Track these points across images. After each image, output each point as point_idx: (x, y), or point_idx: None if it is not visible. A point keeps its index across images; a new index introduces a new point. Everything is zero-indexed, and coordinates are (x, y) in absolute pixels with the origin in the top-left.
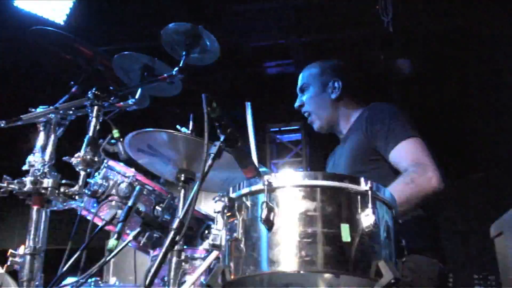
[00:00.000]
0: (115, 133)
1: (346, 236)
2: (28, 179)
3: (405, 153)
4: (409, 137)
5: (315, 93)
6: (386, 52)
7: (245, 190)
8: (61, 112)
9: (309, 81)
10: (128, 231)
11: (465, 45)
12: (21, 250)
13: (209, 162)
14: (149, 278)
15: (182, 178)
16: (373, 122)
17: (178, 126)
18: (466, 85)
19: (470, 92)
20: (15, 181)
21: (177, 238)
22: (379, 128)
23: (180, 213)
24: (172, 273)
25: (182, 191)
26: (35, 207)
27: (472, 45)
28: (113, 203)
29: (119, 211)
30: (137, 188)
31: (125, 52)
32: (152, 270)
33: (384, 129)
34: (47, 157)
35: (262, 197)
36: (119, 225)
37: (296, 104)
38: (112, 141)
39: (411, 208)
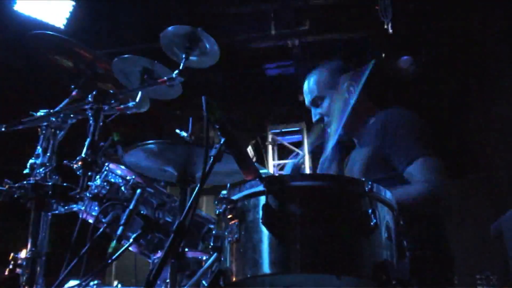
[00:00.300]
0: (116, 136)
1: (347, 237)
2: (29, 183)
3: (420, 170)
4: (424, 155)
5: (333, 101)
6: (388, 53)
7: (246, 192)
8: (61, 115)
9: (321, 93)
10: (129, 234)
11: (467, 45)
12: (22, 253)
13: (209, 164)
14: (150, 280)
15: (183, 181)
16: (389, 131)
17: (177, 130)
18: (467, 84)
19: (471, 91)
20: (16, 185)
21: (178, 240)
22: (394, 139)
23: (181, 215)
24: (173, 276)
25: (183, 193)
26: (36, 211)
27: (474, 45)
28: (114, 206)
29: (120, 214)
30: (138, 191)
31: (125, 55)
32: (153, 273)
33: (399, 142)
34: (48, 161)
35: (262, 199)
36: (120, 228)
37: (315, 119)
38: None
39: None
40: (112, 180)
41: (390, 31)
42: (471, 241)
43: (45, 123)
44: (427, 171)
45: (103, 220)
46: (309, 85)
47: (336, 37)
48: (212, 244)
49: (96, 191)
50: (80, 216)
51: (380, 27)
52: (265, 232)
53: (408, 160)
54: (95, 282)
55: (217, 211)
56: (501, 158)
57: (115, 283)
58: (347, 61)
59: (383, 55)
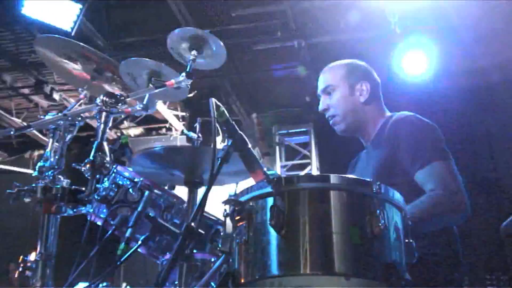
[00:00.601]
0: (124, 138)
1: (355, 238)
2: (38, 186)
3: (433, 175)
4: (437, 159)
5: (343, 95)
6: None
7: (253, 194)
8: (69, 118)
9: (334, 83)
10: (138, 236)
11: (475, 44)
12: (32, 256)
13: (217, 166)
14: (159, 282)
15: (191, 183)
16: (400, 134)
17: (184, 131)
18: (476, 83)
19: (480, 90)
20: (25, 187)
21: (187, 242)
22: (407, 144)
23: (189, 217)
24: (182, 277)
25: (191, 195)
26: (45, 213)
27: (483, 43)
28: (123, 208)
29: (129, 216)
30: (146, 193)
31: (132, 58)
32: (162, 274)
33: (411, 146)
34: (56, 164)
35: (270, 201)
36: (129, 230)
37: (321, 107)
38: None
39: (432, 227)
40: (120, 182)
41: (398, 31)
42: (481, 241)
43: (53, 126)
44: (439, 175)
45: (112, 222)
46: (325, 74)
47: (342, 38)
48: (220, 245)
49: (104, 193)
50: (89, 219)
51: (388, 26)
52: (273, 233)
53: (420, 163)
54: (104, 284)
55: (225, 213)
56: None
57: (124, 285)
58: (367, 62)
59: (392, 54)
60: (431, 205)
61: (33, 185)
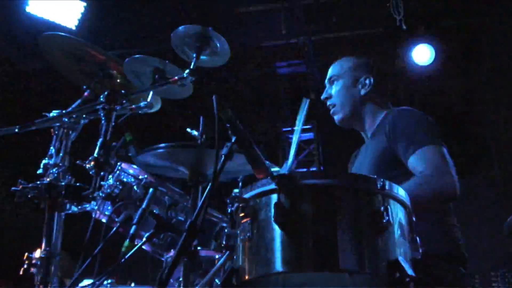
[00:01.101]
0: (128, 136)
1: (359, 235)
2: (43, 183)
3: (424, 159)
4: (430, 144)
5: (345, 86)
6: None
7: (257, 191)
8: (74, 116)
9: (340, 73)
10: (142, 233)
11: (477, 42)
12: (37, 253)
13: (221, 163)
14: (163, 279)
15: (195, 180)
16: (395, 126)
17: (188, 129)
18: (478, 81)
19: (483, 88)
20: (30, 185)
21: (191, 239)
22: (401, 132)
23: (193, 214)
24: (186, 274)
25: (195, 192)
26: (50, 211)
27: (484, 41)
28: (127, 205)
29: (133, 214)
30: (151, 190)
31: (136, 56)
32: (166, 272)
33: (405, 134)
34: (61, 161)
35: (274, 197)
36: (133, 227)
37: (323, 96)
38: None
39: (418, 209)
40: (125, 179)
41: (404, 27)
42: (485, 239)
43: (57, 124)
44: (430, 158)
45: (116, 220)
46: (333, 65)
47: (347, 35)
48: (224, 242)
49: (109, 190)
50: (93, 216)
51: (393, 23)
52: (277, 230)
53: (412, 149)
54: (109, 281)
55: (229, 210)
56: None
57: (129, 282)
58: (375, 60)
59: (397, 49)
60: (417, 185)
61: (38, 182)
